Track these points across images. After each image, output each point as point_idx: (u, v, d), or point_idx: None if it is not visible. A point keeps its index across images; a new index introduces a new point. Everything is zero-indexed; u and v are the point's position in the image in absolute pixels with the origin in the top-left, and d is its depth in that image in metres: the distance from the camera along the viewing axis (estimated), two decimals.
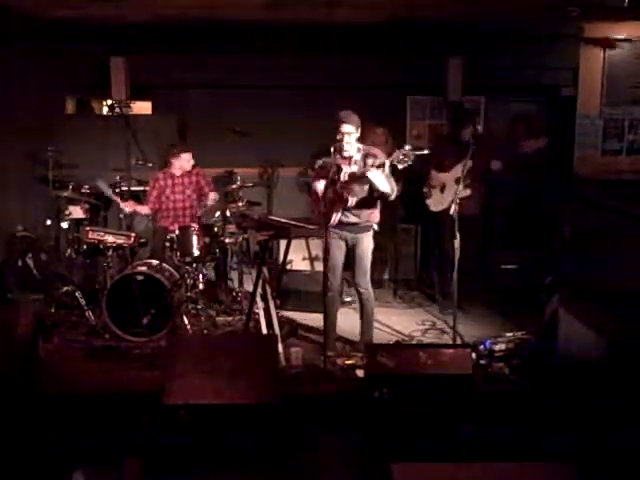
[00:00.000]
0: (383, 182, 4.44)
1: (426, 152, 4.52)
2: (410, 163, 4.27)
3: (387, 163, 4.32)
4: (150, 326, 4.96)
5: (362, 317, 4.90)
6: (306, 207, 5.80)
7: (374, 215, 4.75)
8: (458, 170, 5.34)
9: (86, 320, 5.29)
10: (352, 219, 4.66)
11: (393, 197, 4.63)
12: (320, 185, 4.62)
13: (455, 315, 4.85)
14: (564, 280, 4.92)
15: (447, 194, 5.59)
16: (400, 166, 4.30)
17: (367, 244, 4.75)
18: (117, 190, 6.08)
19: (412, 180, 5.91)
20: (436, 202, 5.73)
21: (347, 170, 4.56)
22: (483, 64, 6.92)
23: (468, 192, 5.39)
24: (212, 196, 5.88)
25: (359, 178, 4.50)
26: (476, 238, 5.59)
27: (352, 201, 4.57)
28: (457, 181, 5.24)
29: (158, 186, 5.87)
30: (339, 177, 4.52)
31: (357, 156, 4.59)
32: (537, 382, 4.27)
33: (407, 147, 4.28)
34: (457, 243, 4.64)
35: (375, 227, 4.79)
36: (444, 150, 5.77)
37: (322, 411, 3.88)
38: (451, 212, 4.79)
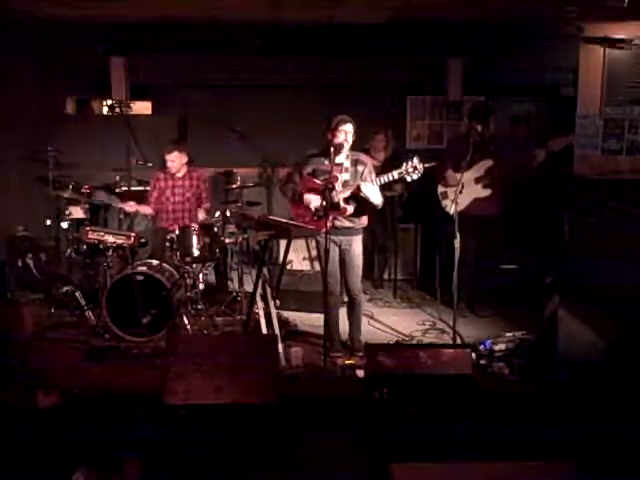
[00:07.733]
0: (376, 194, 4.48)
1: (434, 164, 4.50)
2: (420, 175, 4.28)
3: (395, 176, 4.33)
4: (150, 326, 4.96)
5: (352, 320, 4.86)
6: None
7: (365, 219, 4.78)
8: (478, 169, 5.30)
9: (86, 320, 5.29)
10: (347, 224, 4.65)
11: (380, 207, 4.65)
12: (314, 200, 4.59)
13: (455, 315, 4.85)
14: (564, 280, 4.92)
15: (466, 194, 5.28)
16: (409, 179, 4.31)
17: (359, 247, 4.75)
18: (117, 190, 6.07)
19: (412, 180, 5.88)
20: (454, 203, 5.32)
21: (341, 178, 4.53)
22: (483, 64, 6.92)
23: (488, 192, 5.35)
24: (200, 214, 5.85)
25: (353, 189, 4.49)
26: (492, 239, 5.48)
27: (351, 209, 4.56)
28: (477, 180, 5.25)
29: (158, 187, 5.88)
30: (334, 186, 4.46)
31: (347, 163, 4.57)
32: (537, 382, 4.27)
33: (416, 160, 4.29)
34: (457, 243, 4.64)
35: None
36: (462, 149, 5.23)
37: (322, 411, 3.87)
38: (451, 212, 4.76)
